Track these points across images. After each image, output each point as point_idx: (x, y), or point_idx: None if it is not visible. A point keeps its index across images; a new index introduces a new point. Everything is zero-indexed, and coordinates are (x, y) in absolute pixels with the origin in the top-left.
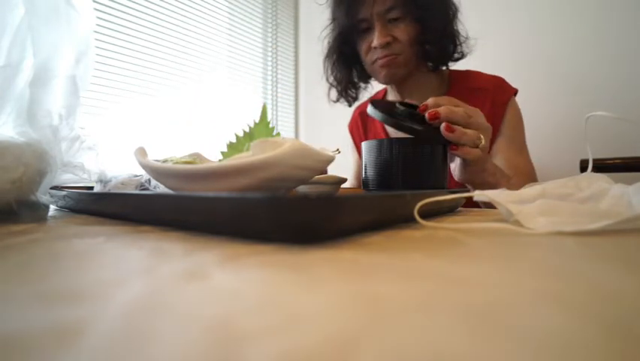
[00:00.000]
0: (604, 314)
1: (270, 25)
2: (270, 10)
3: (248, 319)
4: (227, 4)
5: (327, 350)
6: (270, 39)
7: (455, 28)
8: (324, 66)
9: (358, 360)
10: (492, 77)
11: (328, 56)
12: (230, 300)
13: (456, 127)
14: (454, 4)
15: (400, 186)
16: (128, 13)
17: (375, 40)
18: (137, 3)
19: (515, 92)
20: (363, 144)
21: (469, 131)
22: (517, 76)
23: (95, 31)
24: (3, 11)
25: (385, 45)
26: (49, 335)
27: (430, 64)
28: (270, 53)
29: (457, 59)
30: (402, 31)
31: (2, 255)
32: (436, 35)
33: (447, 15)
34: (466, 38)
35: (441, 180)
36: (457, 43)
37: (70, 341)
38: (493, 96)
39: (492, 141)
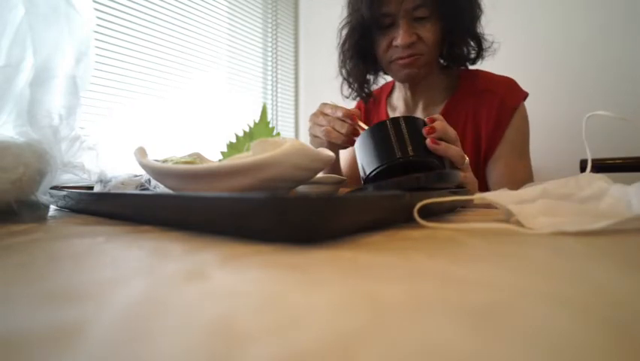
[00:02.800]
0: (606, 315)
1: (270, 25)
2: (270, 10)
3: (248, 319)
4: (227, 4)
5: (327, 350)
6: (270, 39)
7: (479, 30)
8: (339, 58)
9: (358, 360)
10: (503, 78)
11: (344, 50)
12: (230, 300)
13: (441, 142)
14: (479, 7)
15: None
16: (128, 14)
17: (400, 39)
18: (137, 3)
19: (525, 95)
20: (357, 140)
21: (453, 147)
22: (517, 76)
23: (95, 32)
24: (3, 11)
25: (409, 45)
26: (49, 335)
27: (446, 63)
28: (270, 53)
29: (477, 59)
30: (427, 31)
31: (2, 255)
32: (462, 37)
33: (473, 16)
34: (492, 42)
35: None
36: (482, 47)
37: (69, 341)
38: (502, 99)
39: (495, 146)
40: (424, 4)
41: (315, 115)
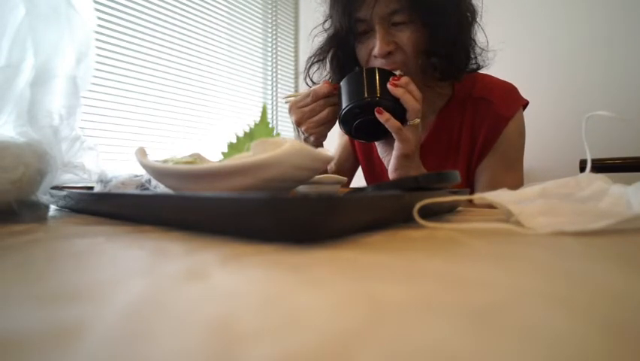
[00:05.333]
0: (606, 314)
1: (270, 25)
2: (270, 10)
3: (248, 319)
4: (226, 4)
5: (327, 350)
6: (270, 39)
7: (472, 37)
8: (306, 68)
9: (358, 360)
10: (501, 84)
11: (318, 59)
12: (230, 300)
13: (400, 88)
14: (472, 8)
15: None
16: (129, 14)
17: (377, 49)
18: (138, 3)
19: (524, 104)
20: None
21: (410, 96)
22: (517, 76)
23: (96, 32)
24: (3, 12)
25: (387, 54)
26: (49, 335)
27: (438, 76)
28: (270, 53)
29: (471, 71)
30: (407, 38)
31: (2, 255)
32: (447, 46)
33: (461, 22)
34: (483, 50)
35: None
36: (472, 55)
37: (69, 341)
38: (497, 108)
39: (483, 156)
40: (402, 8)
41: (296, 113)
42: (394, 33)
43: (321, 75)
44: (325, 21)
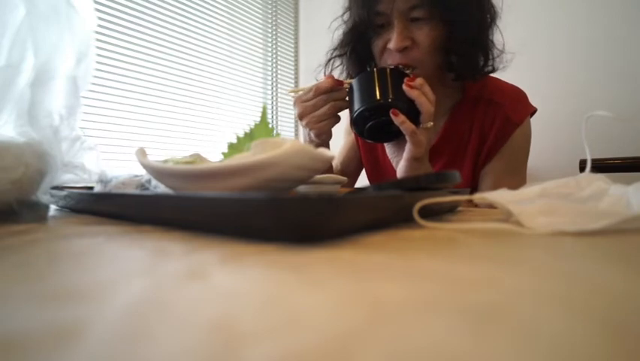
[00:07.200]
0: (605, 314)
1: (270, 25)
2: (270, 10)
3: (248, 319)
4: (226, 4)
5: (327, 350)
6: (270, 39)
7: (490, 37)
8: (327, 61)
9: (358, 360)
10: (511, 89)
11: (339, 53)
12: (230, 300)
13: (415, 89)
14: (493, 9)
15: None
16: (129, 14)
17: (393, 42)
18: (138, 4)
19: (533, 111)
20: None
21: (425, 98)
22: (517, 76)
23: (96, 32)
24: (3, 12)
25: (403, 49)
26: (49, 335)
27: (453, 75)
28: (270, 53)
29: (487, 73)
30: (425, 35)
31: (2, 255)
32: (465, 45)
33: (481, 22)
34: (502, 52)
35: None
36: (490, 57)
37: (69, 341)
38: (507, 113)
39: (489, 158)
40: (422, 3)
41: (299, 106)
42: (412, 29)
43: (343, 70)
44: (344, 13)
